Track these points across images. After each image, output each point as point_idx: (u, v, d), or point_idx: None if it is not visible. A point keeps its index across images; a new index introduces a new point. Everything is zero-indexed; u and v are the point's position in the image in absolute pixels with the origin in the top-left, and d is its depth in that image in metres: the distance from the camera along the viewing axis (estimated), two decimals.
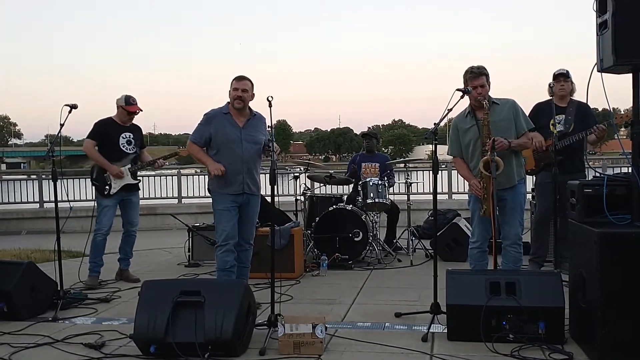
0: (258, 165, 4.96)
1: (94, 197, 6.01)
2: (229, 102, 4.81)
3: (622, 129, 5.13)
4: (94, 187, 5.95)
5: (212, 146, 4.82)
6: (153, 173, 6.14)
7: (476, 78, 4.57)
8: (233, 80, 4.79)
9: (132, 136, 6.04)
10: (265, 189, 6.01)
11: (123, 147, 5.97)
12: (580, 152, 5.68)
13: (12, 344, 3.99)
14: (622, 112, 5.09)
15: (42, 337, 4.16)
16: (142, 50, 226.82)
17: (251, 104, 4.85)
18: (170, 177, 12.29)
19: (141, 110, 6.06)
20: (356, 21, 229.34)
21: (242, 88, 4.73)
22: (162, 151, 5.89)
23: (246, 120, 4.82)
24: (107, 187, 5.87)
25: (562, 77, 5.64)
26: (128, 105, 5.96)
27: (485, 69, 4.63)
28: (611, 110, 4.20)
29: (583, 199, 3.69)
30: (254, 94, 4.82)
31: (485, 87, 4.59)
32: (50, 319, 4.63)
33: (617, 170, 9.82)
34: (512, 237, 4.65)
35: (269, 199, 4.43)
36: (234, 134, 4.76)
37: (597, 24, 3.65)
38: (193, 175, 12.90)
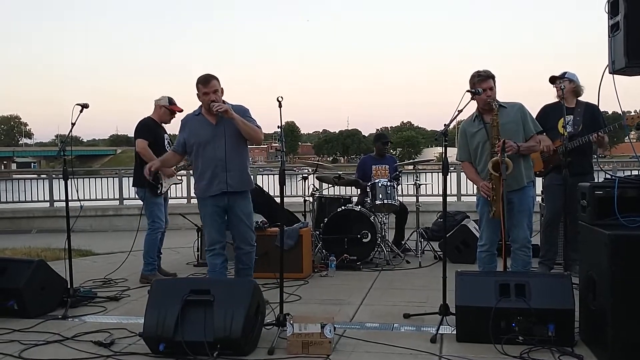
0: (242, 159, 4.66)
1: (142, 196, 5.99)
2: (201, 105, 4.66)
3: (633, 131, 5.10)
4: (146, 188, 5.89)
5: (188, 151, 4.70)
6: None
7: (484, 81, 4.57)
8: (198, 84, 4.57)
9: (169, 137, 6.16)
10: (274, 189, 6.03)
11: (166, 148, 6.04)
12: (589, 154, 5.66)
13: (22, 342, 4.01)
14: (633, 114, 5.06)
15: (51, 334, 4.18)
16: (148, 51, 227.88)
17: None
18: (179, 177, 12.33)
19: (182, 110, 6.15)
20: (365, 23, 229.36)
21: (211, 90, 4.53)
22: None
23: (219, 116, 4.56)
24: (159, 186, 5.94)
25: (555, 80, 5.65)
26: (172, 105, 6.10)
27: (492, 73, 4.63)
28: (622, 112, 4.18)
29: (594, 200, 3.67)
30: (222, 88, 4.63)
31: (494, 90, 4.59)
32: (60, 316, 4.66)
33: (627, 174, 9.76)
34: (521, 241, 4.63)
35: (278, 199, 4.42)
36: (206, 135, 4.59)
37: (609, 26, 3.63)
38: None
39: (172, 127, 6.25)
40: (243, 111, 4.61)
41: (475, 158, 4.76)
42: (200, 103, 4.67)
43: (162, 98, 6.13)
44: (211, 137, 4.58)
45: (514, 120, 4.62)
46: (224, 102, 4.59)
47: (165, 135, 6.13)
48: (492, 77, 4.61)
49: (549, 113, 5.68)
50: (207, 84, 4.54)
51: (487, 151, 4.62)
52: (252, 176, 4.89)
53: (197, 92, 4.62)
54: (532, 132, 4.68)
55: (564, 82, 5.57)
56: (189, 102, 4.76)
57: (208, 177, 4.60)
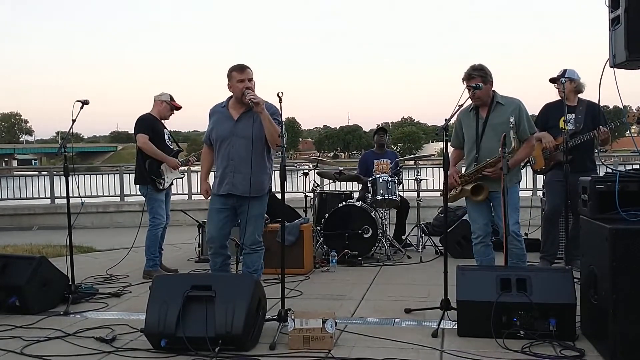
0: (256, 163, 4.45)
1: (144, 193, 5.99)
2: (230, 97, 4.56)
3: (634, 126, 5.10)
4: (149, 184, 5.92)
5: (214, 145, 4.61)
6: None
7: (465, 80, 4.57)
8: (233, 72, 4.43)
9: (169, 132, 6.19)
10: (275, 185, 6.03)
11: (167, 143, 6.08)
12: (591, 151, 5.64)
13: (24, 338, 4.02)
14: (634, 109, 5.05)
15: (53, 330, 4.18)
16: (153, 47, 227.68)
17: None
18: (181, 172, 12.32)
19: (181, 107, 6.30)
20: (365, 19, 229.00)
21: (247, 78, 4.40)
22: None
23: (243, 112, 4.46)
24: (161, 181, 5.95)
25: (554, 82, 5.67)
26: (174, 101, 6.18)
27: (476, 70, 4.56)
28: (623, 107, 4.18)
29: (595, 195, 3.66)
30: (254, 82, 4.51)
31: (483, 87, 4.54)
32: (61, 313, 4.66)
33: (628, 168, 9.75)
34: (508, 234, 4.63)
35: (278, 195, 4.40)
36: (225, 131, 4.47)
37: (609, 19, 3.62)
38: None
39: (173, 124, 6.28)
40: (273, 111, 4.40)
41: (465, 150, 4.84)
42: (231, 94, 4.51)
43: (162, 94, 6.16)
44: (228, 134, 4.46)
45: (506, 122, 4.54)
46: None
47: (165, 130, 6.14)
48: (474, 75, 4.54)
49: (550, 111, 5.67)
50: (242, 71, 4.41)
51: (474, 151, 4.69)
52: (268, 181, 4.71)
53: (228, 81, 4.46)
54: (527, 134, 4.66)
55: (561, 86, 5.58)
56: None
57: (219, 175, 4.54)
